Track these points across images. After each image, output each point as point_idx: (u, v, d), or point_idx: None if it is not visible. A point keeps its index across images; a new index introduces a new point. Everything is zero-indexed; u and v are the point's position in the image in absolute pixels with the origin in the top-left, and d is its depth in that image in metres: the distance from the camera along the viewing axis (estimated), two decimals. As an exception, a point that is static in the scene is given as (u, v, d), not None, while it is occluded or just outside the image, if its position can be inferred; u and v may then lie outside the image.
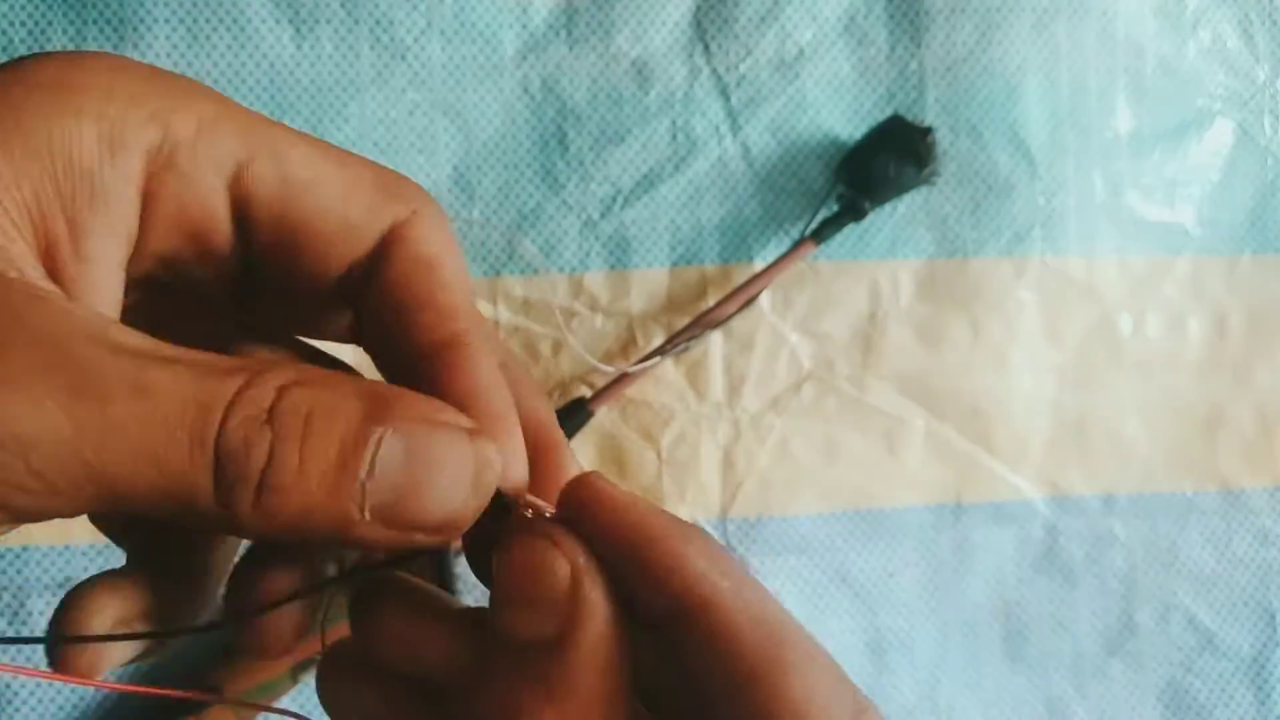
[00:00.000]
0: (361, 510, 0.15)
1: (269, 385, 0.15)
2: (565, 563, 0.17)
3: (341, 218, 0.18)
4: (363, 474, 0.15)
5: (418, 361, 0.18)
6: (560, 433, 0.19)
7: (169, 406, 0.14)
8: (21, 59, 0.16)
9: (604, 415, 0.42)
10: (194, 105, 0.17)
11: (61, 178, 0.16)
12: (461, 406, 0.17)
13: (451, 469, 0.16)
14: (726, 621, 0.17)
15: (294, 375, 0.15)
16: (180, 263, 0.18)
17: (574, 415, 0.40)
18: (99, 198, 0.16)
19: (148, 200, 0.17)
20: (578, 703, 0.16)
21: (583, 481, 0.18)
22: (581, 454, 0.42)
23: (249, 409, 0.15)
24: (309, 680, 0.39)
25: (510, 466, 0.18)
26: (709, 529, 0.43)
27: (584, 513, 0.18)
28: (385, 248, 0.18)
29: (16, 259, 0.15)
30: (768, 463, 0.43)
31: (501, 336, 0.42)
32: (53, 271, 0.16)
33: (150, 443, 0.14)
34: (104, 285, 0.17)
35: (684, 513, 0.42)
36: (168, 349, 0.15)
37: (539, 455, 0.19)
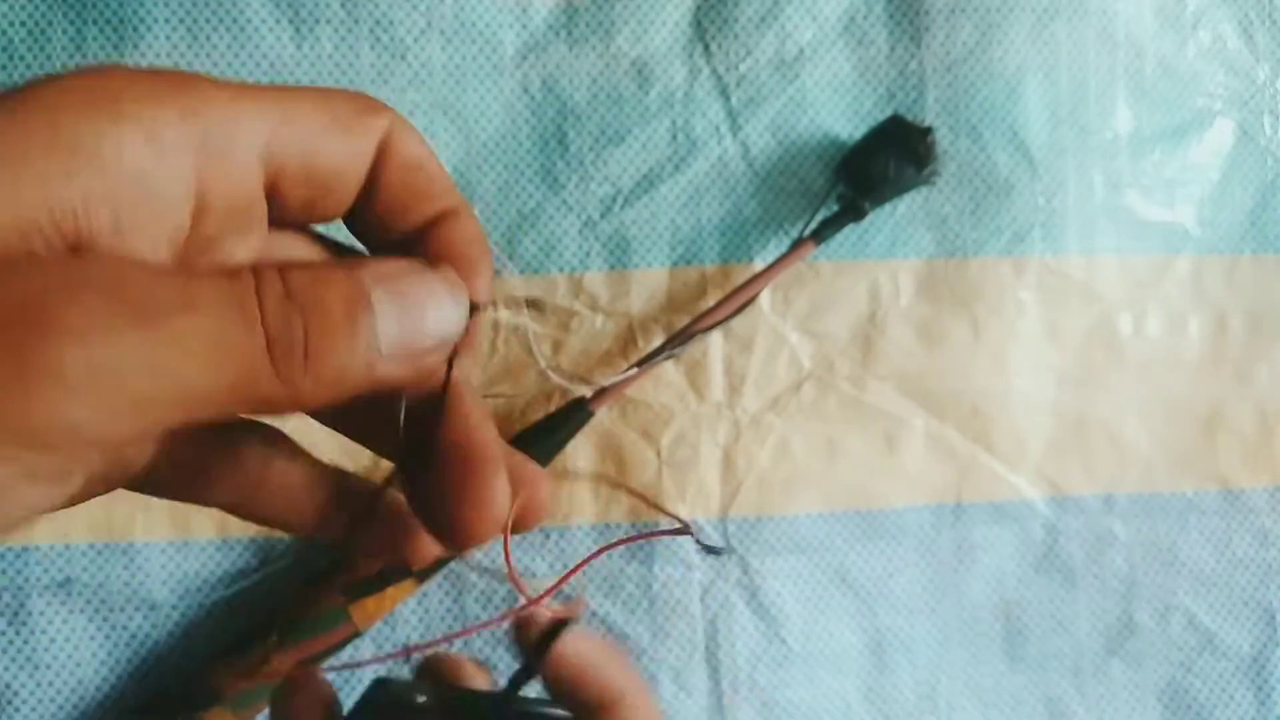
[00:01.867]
0: (379, 351, 0.18)
1: (273, 272, 0.17)
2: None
3: (346, 154, 0.20)
4: (370, 322, 0.18)
5: (416, 239, 0.21)
6: (493, 450, 0.21)
7: (218, 311, 0.16)
8: (45, 77, 0.17)
9: (604, 415, 0.42)
10: (209, 95, 0.18)
11: (113, 181, 0.17)
12: (454, 260, 0.20)
13: (434, 294, 0.19)
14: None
15: (279, 265, 0.18)
16: (219, 241, 0.20)
17: (574, 415, 0.40)
18: (148, 199, 0.17)
19: (200, 194, 0.18)
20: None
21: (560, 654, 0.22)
22: (581, 454, 0.42)
23: (274, 292, 0.17)
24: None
25: (479, 294, 0.21)
26: (709, 529, 0.43)
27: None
28: (378, 161, 0.21)
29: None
30: (768, 463, 0.43)
31: (501, 336, 0.42)
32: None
33: (212, 343, 0.16)
34: None
35: (684, 512, 0.42)
36: (190, 270, 0.18)
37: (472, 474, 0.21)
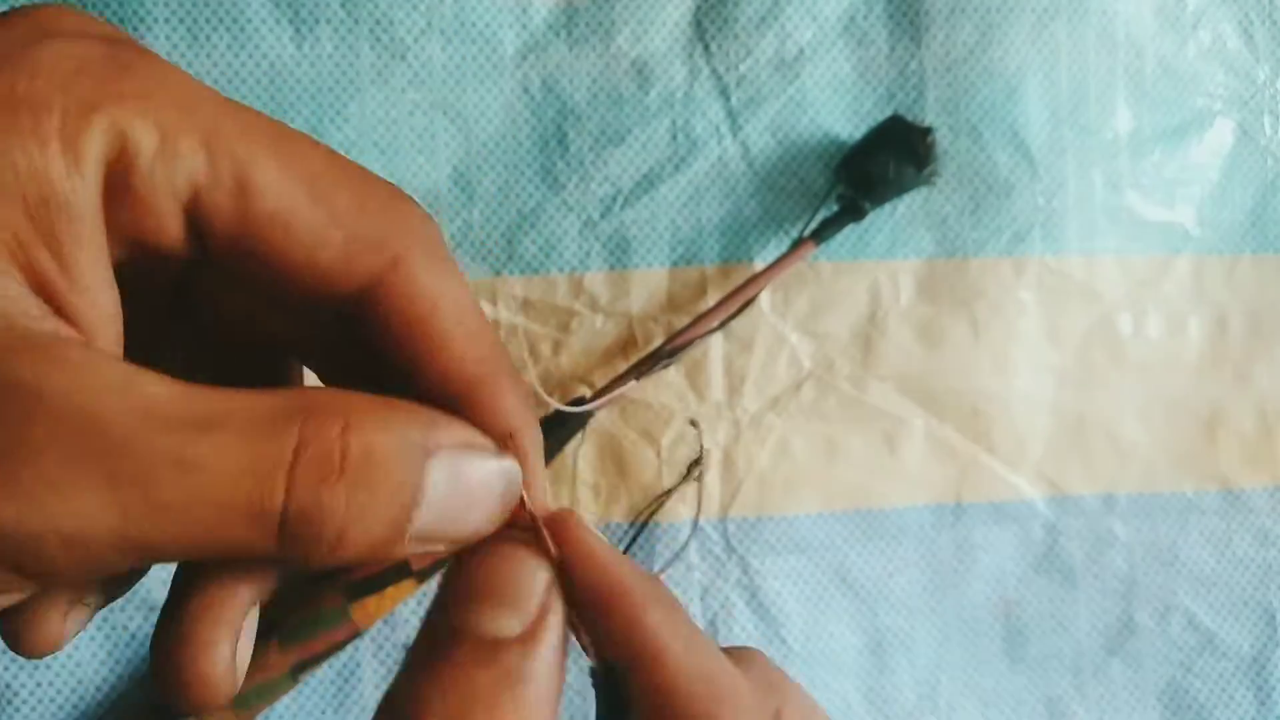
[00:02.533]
0: (406, 536, 0.16)
1: (332, 433, 0.15)
2: (545, 571, 0.18)
3: (308, 260, 0.17)
4: (412, 507, 0.16)
5: (442, 394, 0.18)
6: (533, 444, 0.19)
7: (220, 483, 0.14)
8: None
9: (604, 415, 0.42)
10: (157, 111, 0.15)
11: (37, 210, 0.15)
12: (497, 436, 0.18)
13: (485, 489, 0.17)
14: (673, 678, 0.17)
15: (346, 413, 0.15)
16: (130, 273, 0.17)
17: (574, 415, 0.40)
18: (76, 221, 0.15)
19: (104, 218, 0.16)
20: (534, 696, 0.17)
21: (563, 522, 0.18)
22: (581, 454, 0.42)
23: (319, 468, 0.14)
24: (309, 680, 0.40)
25: (532, 485, 0.18)
26: (709, 529, 0.43)
27: (561, 551, 0.18)
28: (376, 290, 0.17)
29: (17, 301, 0.15)
30: (768, 463, 0.43)
31: (502, 336, 0.42)
32: (55, 307, 0.15)
33: (202, 520, 0.14)
34: (105, 308, 0.16)
35: (684, 512, 0.42)
36: (203, 402, 0.14)
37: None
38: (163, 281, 0.18)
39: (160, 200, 0.16)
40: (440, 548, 0.17)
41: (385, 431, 0.15)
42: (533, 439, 0.19)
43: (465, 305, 0.18)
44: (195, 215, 0.16)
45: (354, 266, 0.17)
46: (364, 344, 0.18)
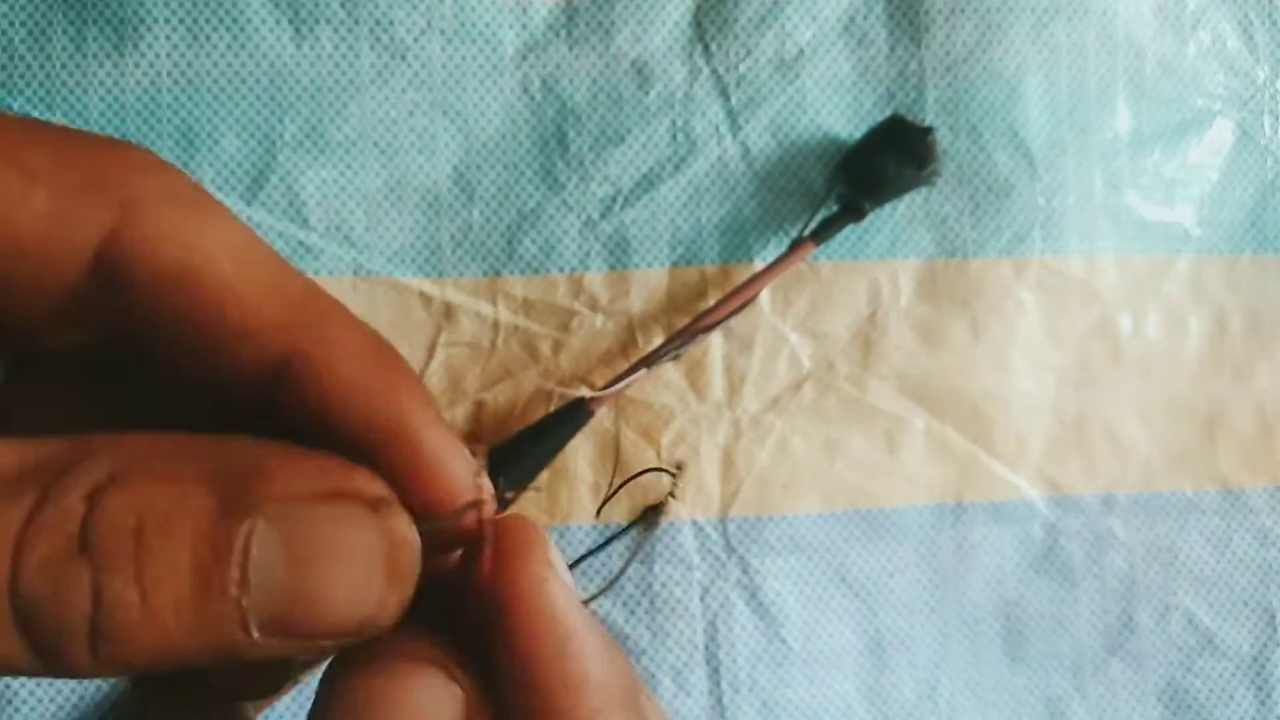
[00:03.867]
0: (246, 628, 0.12)
1: (73, 496, 0.11)
2: (455, 704, 0.14)
3: (11, 237, 0.13)
4: (234, 586, 0.11)
5: (355, 445, 0.14)
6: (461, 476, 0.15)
7: None
8: None
9: (604, 415, 0.42)
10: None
11: None
12: (424, 486, 0.14)
13: (354, 557, 0.12)
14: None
15: (107, 467, 0.11)
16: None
17: (574, 415, 0.40)
18: None
19: None
20: None
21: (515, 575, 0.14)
22: (581, 454, 0.42)
23: (50, 539, 0.11)
24: (310, 680, 0.39)
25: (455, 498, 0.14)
26: (709, 529, 0.43)
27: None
28: (113, 253, 0.13)
29: None
30: (768, 463, 0.43)
31: (501, 336, 0.42)
32: None
33: None
34: None
35: (684, 513, 0.42)
36: None
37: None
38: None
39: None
40: (330, 643, 0.12)
41: (159, 483, 0.11)
42: (461, 468, 0.14)
43: (241, 245, 0.14)
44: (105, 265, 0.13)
45: (73, 230, 0.13)
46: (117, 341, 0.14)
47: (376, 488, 0.13)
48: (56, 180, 0.13)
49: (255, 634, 0.12)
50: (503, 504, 0.40)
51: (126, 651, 0.11)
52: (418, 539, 0.13)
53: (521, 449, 0.40)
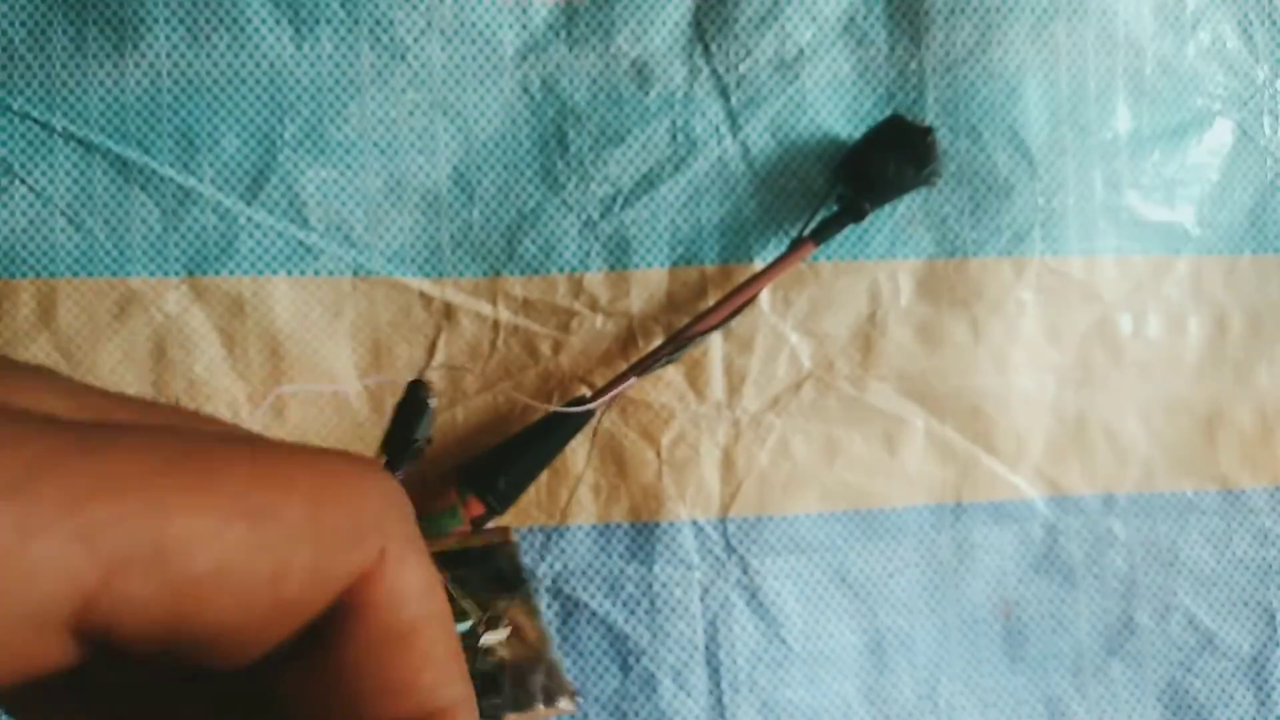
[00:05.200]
0: None
1: None
2: None
3: (271, 602, 0.12)
4: None
5: None
6: None
7: None
8: None
9: (604, 415, 0.42)
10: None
11: None
12: None
13: None
14: None
15: None
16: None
17: (573, 416, 0.40)
18: None
19: None
20: None
21: None
22: (581, 454, 0.42)
23: None
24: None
25: None
26: (709, 529, 0.43)
27: None
28: (345, 607, 0.13)
29: None
30: (768, 463, 0.43)
31: (502, 336, 0.42)
32: None
33: None
34: None
35: (684, 513, 0.42)
36: None
37: None
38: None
39: (16, 638, 0.11)
40: None
41: None
42: None
43: (445, 615, 0.14)
44: (89, 625, 0.11)
45: (326, 583, 0.13)
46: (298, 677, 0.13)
47: None
48: (318, 537, 0.12)
49: None
50: (490, 513, 0.40)
51: None
52: None
53: (521, 449, 0.40)
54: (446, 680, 0.13)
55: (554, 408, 0.40)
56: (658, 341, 0.41)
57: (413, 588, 0.13)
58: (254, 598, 0.12)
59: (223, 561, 0.11)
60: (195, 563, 0.11)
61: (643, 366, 0.40)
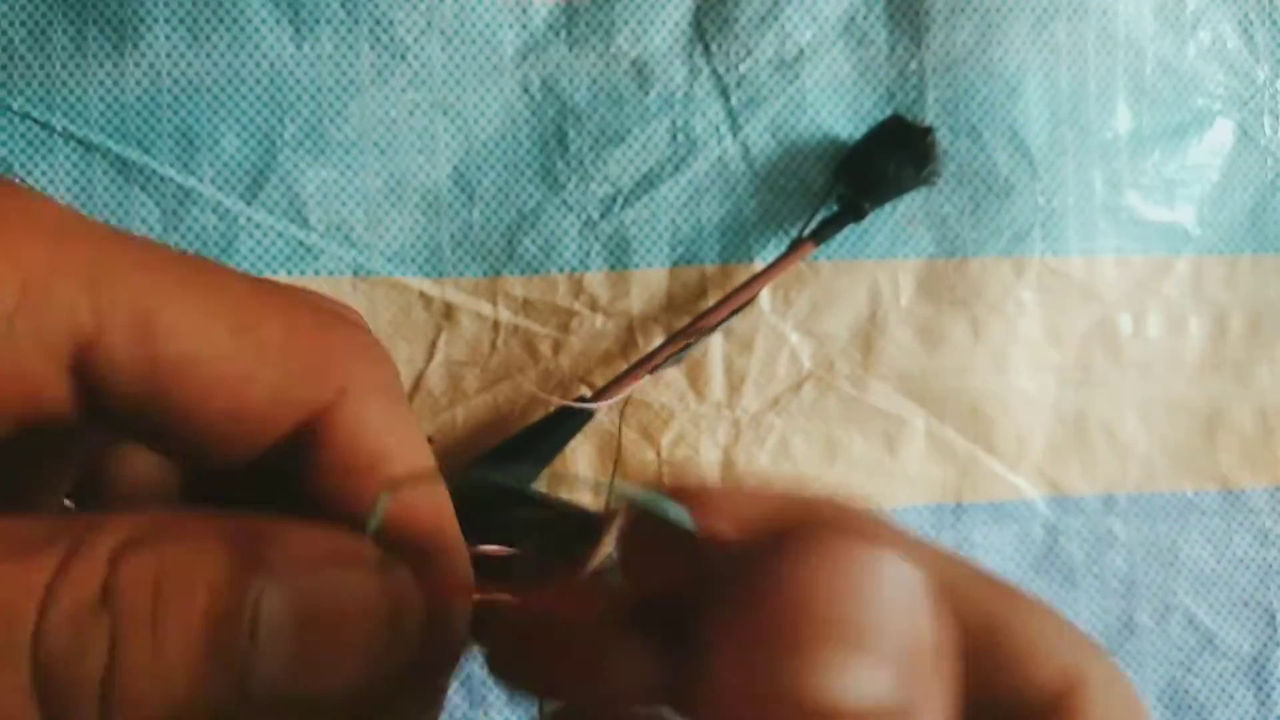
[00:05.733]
0: (245, 694, 0.11)
1: (99, 554, 0.11)
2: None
3: (232, 407, 0.14)
4: (242, 646, 0.11)
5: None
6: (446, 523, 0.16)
7: None
8: None
9: (604, 415, 0.42)
10: (16, 250, 0.12)
11: None
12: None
13: (360, 618, 0.12)
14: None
15: (128, 530, 0.12)
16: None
17: (574, 415, 0.40)
18: None
19: None
20: None
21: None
22: (581, 454, 0.42)
23: (74, 595, 0.11)
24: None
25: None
26: (709, 529, 0.43)
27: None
28: (312, 431, 0.14)
29: None
30: (768, 463, 0.43)
31: (502, 336, 0.42)
32: None
33: None
34: None
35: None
36: None
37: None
38: (50, 441, 0.15)
39: (27, 359, 0.13)
40: (313, 708, 0.12)
41: (179, 543, 0.12)
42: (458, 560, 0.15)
43: (419, 459, 0.15)
44: (84, 371, 0.13)
45: (286, 407, 0.14)
46: (288, 486, 0.15)
47: (374, 549, 0.13)
48: (286, 361, 0.14)
49: (259, 692, 0.12)
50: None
51: (133, 715, 0.11)
52: (421, 599, 0.13)
53: (521, 449, 0.40)
54: (425, 518, 0.15)
55: (562, 401, 0.40)
56: (658, 341, 0.41)
57: (371, 427, 0.14)
58: (219, 394, 0.14)
59: (198, 353, 0.13)
60: (174, 345, 0.13)
61: (651, 366, 0.40)
